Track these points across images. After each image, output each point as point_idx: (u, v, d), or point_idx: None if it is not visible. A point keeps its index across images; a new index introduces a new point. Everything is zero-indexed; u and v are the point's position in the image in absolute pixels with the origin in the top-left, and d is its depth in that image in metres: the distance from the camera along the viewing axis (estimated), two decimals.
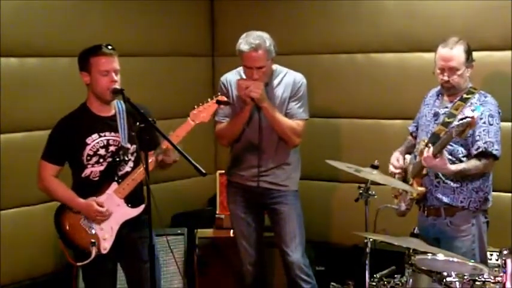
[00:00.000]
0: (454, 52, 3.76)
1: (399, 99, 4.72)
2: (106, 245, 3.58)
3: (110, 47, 3.60)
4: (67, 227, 3.62)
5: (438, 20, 4.65)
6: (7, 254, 4.34)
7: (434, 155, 3.63)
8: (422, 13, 4.73)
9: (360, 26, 4.94)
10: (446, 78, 3.77)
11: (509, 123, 4.44)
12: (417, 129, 4.07)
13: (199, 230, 4.92)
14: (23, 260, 4.46)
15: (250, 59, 3.97)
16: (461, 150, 3.79)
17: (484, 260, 3.80)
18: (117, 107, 3.67)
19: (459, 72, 3.76)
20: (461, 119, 3.52)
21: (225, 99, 3.80)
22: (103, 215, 3.57)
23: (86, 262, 3.58)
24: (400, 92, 4.76)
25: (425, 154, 3.68)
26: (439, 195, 3.82)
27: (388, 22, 4.85)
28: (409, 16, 4.77)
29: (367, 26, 4.92)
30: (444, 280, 3.26)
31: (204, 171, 3.39)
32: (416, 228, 3.70)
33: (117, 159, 3.63)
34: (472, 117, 3.45)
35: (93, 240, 3.56)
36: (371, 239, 3.67)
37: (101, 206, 3.57)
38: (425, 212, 3.90)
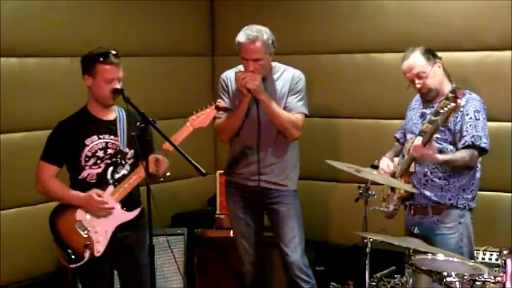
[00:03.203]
0: (411, 61, 3.87)
1: (399, 99, 4.70)
2: (100, 248, 3.57)
3: (116, 54, 3.58)
4: (61, 230, 3.61)
5: (438, 20, 4.65)
6: (7, 254, 4.34)
7: (424, 144, 3.65)
8: (422, 13, 4.72)
9: (360, 26, 4.94)
10: (418, 86, 3.86)
11: (509, 123, 4.44)
12: (404, 135, 4.10)
13: (199, 230, 4.93)
14: (23, 260, 4.46)
15: (247, 50, 3.99)
16: (450, 148, 3.82)
17: (471, 259, 3.80)
18: (118, 112, 3.67)
19: (426, 75, 3.83)
20: (446, 106, 3.53)
21: (224, 105, 3.85)
22: (103, 205, 3.55)
23: (79, 264, 3.57)
24: (400, 92, 4.72)
25: (414, 143, 3.71)
26: (428, 193, 3.85)
27: (388, 22, 4.85)
28: (409, 16, 4.77)
29: (367, 26, 4.91)
30: (444, 280, 3.26)
31: (204, 171, 3.39)
32: (416, 228, 3.71)
33: (116, 161, 3.62)
34: (456, 102, 3.47)
35: (87, 243, 3.55)
36: (371, 239, 3.67)
37: (100, 196, 3.56)
38: (412, 210, 3.92)
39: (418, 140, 3.69)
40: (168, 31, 5.24)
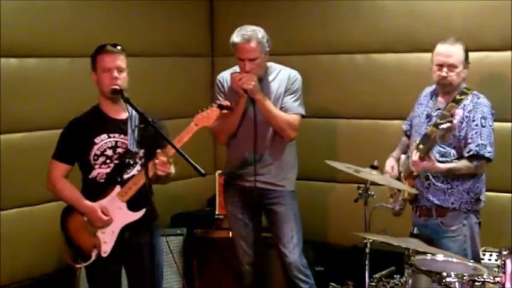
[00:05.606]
0: (454, 49, 3.80)
1: (398, 100, 4.72)
2: (106, 248, 3.58)
3: (117, 46, 3.61)
4: (71, 229, 3.63)
5: (438, 20, 4.65)
6: (7, 254, 4.33)
7: (421, 158, 3.64)
8: (422, 13, 4.73)
9: (359, 26, 4.94)
10: (444, 74, 3.79)
11: (509, 124, 4.44)
12: (411, 127, 4.08)
13: (198, 230, 4.93)
14: (23, 260, 4.46)
15: (242, 50, 4.00)
16: (453, 153, 3.80)
17: (476, 261, 3.79)
18: (130, 112, 3.66)
19: (457, 70, 3.80)
20: (444, 123, 3.49)
21: (228, 103, 3.84)
22: (104, 222, 3.58)
23: (84, 264, 3.59)
24: (399, 93, 4.75)
25: (412, 159, 3.70)
26: (430, 197, 3.85)
27: (388, 22, 4.85)
28: (409, 16, 4.77)
29: (367, 26, 4.92)
30: (444, 280, 3.26)
31: (203, 171, 3.38)
32: (416, 228, 3.71)
33: (125, 161, 3.62)
34: (451, 122, 3.45)
35: (94, 243, 3.57)
36: (370, 240, 3.67)
37: (105, 213, 3.57)
38: (418, 212, 3.92)
39: (416, 155, 3.68)
40: (168, 31, 5.24)
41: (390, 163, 4.06)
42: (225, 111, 3.85)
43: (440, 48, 3.82)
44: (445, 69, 3.79)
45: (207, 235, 4.91)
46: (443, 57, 3.80)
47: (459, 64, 3.79)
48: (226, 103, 3.83)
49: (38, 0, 4.47)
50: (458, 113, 3.55)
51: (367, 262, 3.70)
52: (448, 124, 3.45)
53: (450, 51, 3.79)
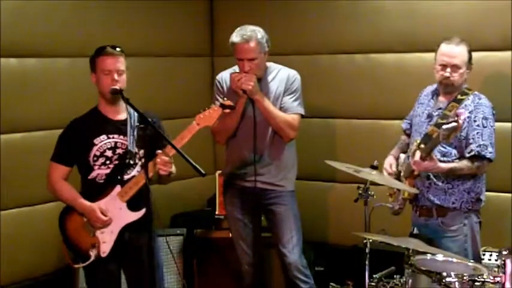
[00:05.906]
0: (458, 50, 3.79)
1: (398, 100, 4.72)
2: (105, 249, 3.59)
3: (116, 48, 3.62)
4: (70, 229, 3.63)
5: (438, 20, 4.65)
6: (7, 254, 4.34)
7: (423, 158, 3.63)
8: (422, 13, 4.73)
9: (359, 26, 4.94)
10: (447, 74, 3.79)
11: (509, 124, 4.44)
12: (410, 126, 4.08)
13: (198, 230, 4.93)
14: (23, 260, 4.46)
15: (241, 50, 4.00)
16: (454, 153, 3.80)
17: (477, 261, 3.79)
18: (130, 112, 3.67)
19: (461, 71, 3.79)
20: (448, 123, 3.48)
21: (230, 103, 3.83)
22: (103, 222, 3.58)
23: (83, 265, 3.60)
24: (399, 93, 4.76)
25: (414, 159, 3.70)
26: (431, 197, 3.84)
27: (388, 22, 4.85)
28: (409, 16, 4.77)
29: (367, 26, 4.92)
30: (443, 280, 3.26)
31: (203, 171, 3.39)
32: (416, 228, 3.71)
33: (125, 162, 3.62)
34: (457, 122, 3.44)
35: (93, 243, 3.57)
36: (370, 240, 3.67)
37: (104, 214, 3.58)
38: (418, 212, 3.92)
39: (417, 155, 3.68)
40: (168, 31, 5.24)
41: (389, 161, 4.06)
42: (227, 110, 3.85)
43: (445, 48, 3.81)
44: (448, 69, 3.79)
45: (207, 235, 4.91)
46: (447, 58, 3.79)
47: (463, 65, 3.79)
48: (229, 102, 3.83)
49: (38, 0, 4.47)
50: (463, 113, 3.55)
51: (367, 262, 3.69)
52: (454, 124, 3.43)
53: (454, 51, 3.79)
